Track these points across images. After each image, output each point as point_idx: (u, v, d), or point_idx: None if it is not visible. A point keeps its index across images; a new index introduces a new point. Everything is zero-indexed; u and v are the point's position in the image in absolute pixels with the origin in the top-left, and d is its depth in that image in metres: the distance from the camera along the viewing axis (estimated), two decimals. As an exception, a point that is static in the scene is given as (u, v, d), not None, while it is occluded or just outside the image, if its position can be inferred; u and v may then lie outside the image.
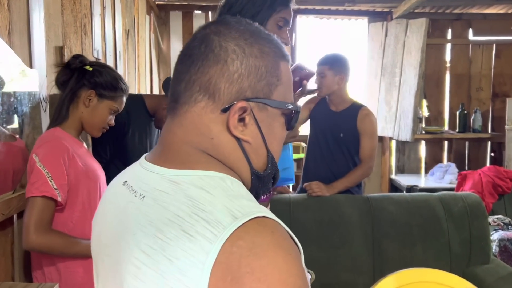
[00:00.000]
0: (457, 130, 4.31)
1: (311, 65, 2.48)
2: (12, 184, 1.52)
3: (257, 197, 0.72)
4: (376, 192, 4.32)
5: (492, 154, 4.47)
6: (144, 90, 3.57)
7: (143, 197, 0.64)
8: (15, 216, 1.49)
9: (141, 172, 0.69)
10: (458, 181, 3.51)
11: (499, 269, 2.25)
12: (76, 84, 1.44)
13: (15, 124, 1.60)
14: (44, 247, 1.30)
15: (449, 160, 4.44)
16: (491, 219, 2.94)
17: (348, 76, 2.45)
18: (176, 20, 4.19)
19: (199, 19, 4.19)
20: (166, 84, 2.17)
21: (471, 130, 4.31)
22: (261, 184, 0.71)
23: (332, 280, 2.23)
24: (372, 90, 4.29)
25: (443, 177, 3.89)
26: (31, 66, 1.60)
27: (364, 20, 4.41)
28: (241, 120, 0.66)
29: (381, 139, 4.36)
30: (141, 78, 3.47)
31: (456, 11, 4.28)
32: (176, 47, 4.12)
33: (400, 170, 4.46)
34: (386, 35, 4.17)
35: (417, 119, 3.90)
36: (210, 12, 4.15)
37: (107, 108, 1.47)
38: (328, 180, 2.39)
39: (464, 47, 4.42)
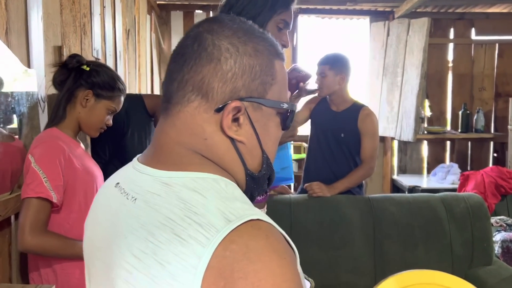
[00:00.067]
0: (459, 130, 4.29)
1: (312, 65, 2.48)
2: (10, 185, 1.51)
3: (252, 198, 0.71)
4: (378, 193, 4.30)
5: (495, 155, 4.44)
6: (145, 90, 3.56)
7: (135, 199, 0.63)
8: (12, 217, 1.48)
9: (133, 173, 0.68)
10: (460, 182, 3.49)
11: (502, 270, 2.23)
12: (73, 84, 1.43)
13: (14, 124, 1.59)
14: (39, 249, 1.29)
15: (451, 160, 4.42)
16: (493, 220, 2.92)
17: (349, 76, 2.44)
18: (177, 19, 4.18)
19: (200, 19, 4.12)
20: None
21: (473, 130, 4.28)
22: (256, 185, 0.69)
23: (332, 282, 2.22)
24: (374, 90, 4.27)
25: (445, 177, 3.87)
26: (29, 66, 1.59)
27: (366, 20, 4.39)
28: (235, 120, 0.64)
29: (383, 139, 4.34)
30: (142, 78, 3.46)
31: (458, 10, 4.26)
32: (177, 47, 4.10)
33: (402, 170, 4.44)
34: (388, 34, 4.15)
35: (419, 119, 3.88)
36: (211, 12, 4.14)
37: (105, 108, 1.46)
38: (329, 181, 2.37)
39: (467, 46, 4.39)
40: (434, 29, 4.27)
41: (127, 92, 2.90)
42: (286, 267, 0.54)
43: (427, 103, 4.32)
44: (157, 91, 3.97)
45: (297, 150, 4.25)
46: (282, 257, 0.55)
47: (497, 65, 4.41)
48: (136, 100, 2.07)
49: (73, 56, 1.47)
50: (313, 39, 4.46)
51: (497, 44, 4.40)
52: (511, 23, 4.33)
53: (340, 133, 2.44)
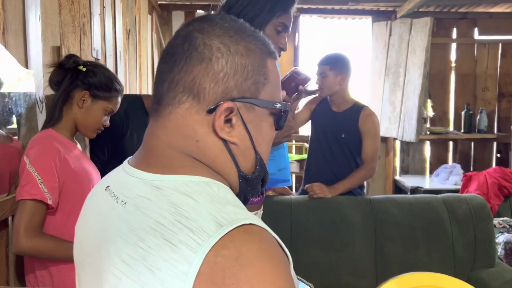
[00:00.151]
0: (462, 131, 4.26)
1: (314, 65, 2.47)
2: (8, 186, 1.50)
3: (246, 201, 0.69)
4: (380, 193, 4.28)
5: (498, 155, 4.41)
6: (146, 90, 3.55)
7: (125, 203, 0.62)
8: (9, 219, 1.47)
9: (123, 176, 0.66)
10: (463, 183, 3.47)
11: (505, 272, 2.21)
12: (70, 85, 1.42)
13: (13, 125, 1.58)
14: (34, 251, 1.28)
15: (454, 161, 4.39)
16: (496, 221, 2.89)
17: (349, 76, 2.42)
18: (178, 19, 4.18)
19: (201, 19, 4.16)
20: None
21: (476, 130, 4.25)
22: (250, 187, 0.68)
23: (333, 284, 2.20)
24: (376, 90, 4.25)
25: (448, 178, 3.85)
26: (27, 66, 1.58)
27: (368, 20, 4.38)
28: (228, 121, 0.63)
29: (385, 139, 4.32)
30: (143, 78, 3.45)
31: (461, 10, 4.23)
32: (178, 47, 4.09)
33: (405, 171, 4.41)
34: (390, 34, 4.12)
35: (421, 119, 3.85)
36: (212, 12, 4.12)
37: (102, 109, 1.44)
38: (330, 182, 2.35)
39: (470, 46, 4.36)
40: (437, 29, 4.25)
41: (128, 92, 2.91)
42: (279, 272, 0.53)
43: (429, 103, 4.29)
44: (158, 92, 3.95)
45: (299, 150, 4.24)
46: (275, 263, 0.53)
47: (500, 65, 4.38)
48: (135, 100, 2.06)
49: (70, 57, 1.45)
50: (315, 39, 4.44)
51: (500, 44, 4.37)
52: (514, 22, 4.30)
53: (341, 133, 2.42)
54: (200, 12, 4.21)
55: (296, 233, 2.21)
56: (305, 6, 4.15)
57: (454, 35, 4.37)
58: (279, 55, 1.31)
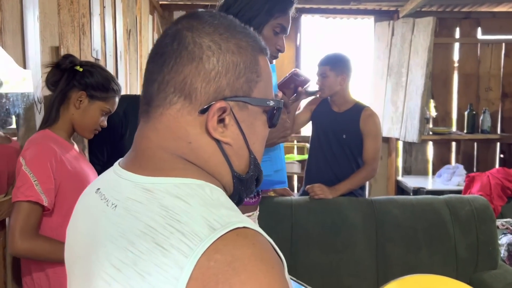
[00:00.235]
0: (465, 131, 4.23)
1: (315, 66, 2.45)
2: (7, 187, 1.49)
3: (240, 201, 0.69)
4: (382, 194, 4.26)
5: (501, 156, 4.38)
6: (147, 90, 3.53)
7: (115, 206, 0.60)
8: (7, 220, 1.46)
9: (114, 179, 0.65)
10: (465, 183, 3.44)
11: (507, 275, 2.18)
12: (66, 85, 1.40)
13: (12, 125, 1.57)
14: (30, 253, 1.27)
15: (457, 161, 4.37)
16: (499, 222, 2.87)
17: (350, 76, 2.41)
18: (180, 20, 4.16)
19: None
20: None
21: (479, 131, 4.22)
22: (244, 187, 0.67)
23: (334, 285, 2.18)
24: (378, 90, 4.23)
25: (450, 179, 3.82)
26: (24, 66, 1.57)
27: (370, 19, 4.35)
28: (221, 121, 0.62)
29: (388, 140, 4.30)
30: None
31: (464, 9, 4.20)
32: (179, 47, 4.08)
33: (407, 171, 4.39)
34: (392, 34, 4.10)
35: (424, 119, 3.83)
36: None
37: (99, 110, 1.43)
38: (331, 182, 2.34)
39: (473, 46, 4.34)
40: (440, 28, 4.22)
41: (129, 92, 2.90)
42: (274, 277, 0.52)
43: (432, 103, 4.27)
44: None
45: (301, 151, 4.22)
46: (269, 267, 0.52)
47: (503, 65, 4.35)
48: (134, 101, 2.05)
49: (66, 57, 1.44)
50: (316, 39, 4.42)
51: (503, 44, 4.33)
52: (518, 22, 4.27)
53: (342, 134, 2.41)
54: (201, 12, 4.20)
55: (296, 234, 2.19)
56: (307, 6, 4.13)
57: (457, 35, 4.34)
58: (277, 57, 1.30)
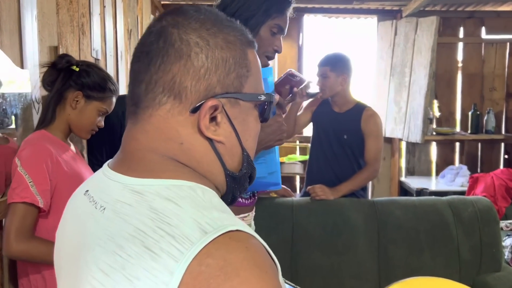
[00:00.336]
0: (469, 131, 4.19)
1: (316, 66, 2.43)
2: (4, 188, 1.48)
3: (234, 199, 0.67)
4: (385, 195, 4.23)
5: (506, 156, 4.34)
6: (148, 90, 3.53)
7: (104, 209, 0.59)
8: (4, 221, 1.45)
9: (102, 181, 0.63)
10: (469, 184, 3.41)
11: (511, 277, 2.15)
12: (63, 85, 1.39)
13: (11, 126, 1.57)
14: (25, 255, 1.26)
15: (461, 162, 4.33)
16: (503, 224, 2.84)
17: (350, 76, 2.38)
18: (181, 20, 4.15)
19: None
20: None
21: (484, 131, 4.18)
22: (237, 185, 0.66)
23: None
24: (381, 90, 4.20)
25: (454, 179, 3.79)
26: (22, 66, 1.56)
27: (373, 19, 4.33)
28: (213, 119, 0.60)
29: (391, 140, 4.27)
30: (145, 79, 3.42)
31: (468, 9, 4.17)
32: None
33: (410, 172, 4.36)
34: (395, 34, 4.07)
35: (427, 120, 3.80)
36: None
37: (95, 110, 1.42)
38: (332, 183, 2.32)
39: (477, 46, 4.30)
40: (443, 28, 4.19)
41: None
42: (267, 282, 0.50)
43: (436, 103, 4.24)
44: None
45: (303, 151, 4.20)
46: (263, 271, 0.50)
47: (508, 64, 4.31)
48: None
49: (63, 56, 1.43)
50: (319, 39, 4.40)
51: (508, 43, 4.29)
52: (522, 21, 4.23)
53: (343, 134, 2.39)
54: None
55: (297, 235, 2.17)
56: (309, 6, 4.11)
57: (461, 35, 4.31)
58: (273, 57, 1.29)
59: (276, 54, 1.29)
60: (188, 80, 0.58)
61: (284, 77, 1.24)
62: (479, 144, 4.34)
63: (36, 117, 1.63)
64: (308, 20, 4.32)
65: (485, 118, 4.16)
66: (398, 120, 4.01)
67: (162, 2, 4.04)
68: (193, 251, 0.49)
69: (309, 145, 3.98)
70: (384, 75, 4.16)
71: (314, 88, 2.40)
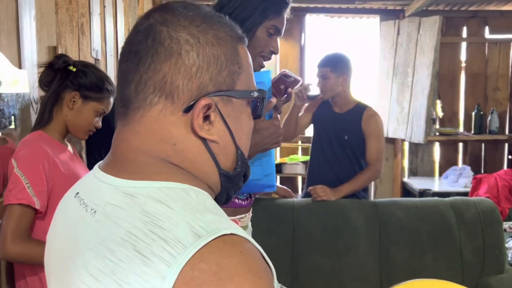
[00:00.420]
0: (472, 132, 4.17)
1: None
2: (2, 188, 1.48)
3: (228, 199, 0.66)
4: (388, 196, 4.21)
5: (510, 157, 4.31)
6: (150, 90, 3.52)
7: (95, 212, 0.58)
8: (0, 222, 1.44)
9: (93, 183, 0.62)
10: (472, 185, 3.39)
11: (515, 279, 2.13)
12: (59, 86, 1.38)
13: (11, 126, 1.56)
14: (21, 257, 1.25)
15: (464, 162, 4.30)
16: (507, 225, 2.81)
17: (351, 76, 2.37)
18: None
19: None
20: None
21: (487, 131, 4.16)
22: (232, 184, 0.64)
23: (336, 289, 2.15)
24: (383, 91, 4.18)
25: (457, 180, 3.77)
26: (20, 66, 1.55)
27: (375, 19, 4.31)
28: (206, 118, 0.59)
29: (393, 141, 4.25)
30: (146, 79, 3.42)
31: (471, 8, 4.14)
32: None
33: (413, 172, 4.33)
34: (398, 33, 4.05)
35: (430, 120, 3.77)
36: (217, 12, 4.09)
37: (93, 110, 1.41)
38: (333, 184, 2.30)
39: (480, 45, 4.27)
40: (446, 27, 4.17)
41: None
42: (262, 287, 0.49)
43: (439, 103, 4.21)
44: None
45: (305, 152, 4.18)
46: (257, 277, 0.49)
47: (512, 64, 4.28)
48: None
49: (60, 57, 1.42)
50: (321, 39, 4.38)
51: (511, 43, 4.27)
52: (526, 21, 4.20)
53: (344, 135, 2.37)
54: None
55: (298, 237, 2.16)
56: (312, 5, 4.10)
57: (464, 34, 4.28)
58: (270, 58, 1.29)
59: (278, 54, 1.28)
60: (180, 79, 0.57)
61: (278, 78, 1.23)
62: (483, 145, 4.32)
63: (34, 118, 1.62)
64: (310, 19, 4.30)
65: (489, 118, 4.14)
66: (400, 120, 3.99)
67: (163, 2, 4.03)
68: (186, 256, 0.47)
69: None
70: (387, 75, 4.14)
71: (314, 90, 2.39)
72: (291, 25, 4.10)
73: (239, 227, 0.56)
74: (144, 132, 0.59)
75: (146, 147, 0.59)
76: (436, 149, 4.35)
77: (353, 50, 4.34)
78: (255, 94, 0.63)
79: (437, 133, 4.13)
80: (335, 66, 2.32)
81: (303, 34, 4.22)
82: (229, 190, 0.65)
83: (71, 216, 0.62)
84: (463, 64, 4.30)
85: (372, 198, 4.14)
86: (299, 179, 4.21)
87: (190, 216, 0.52)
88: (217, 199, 0.65)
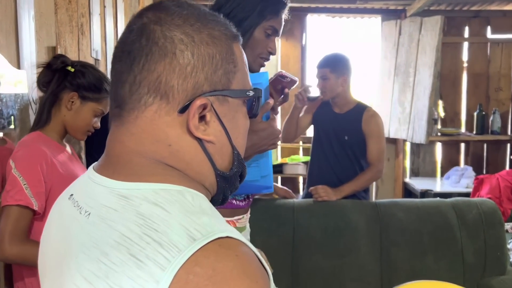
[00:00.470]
0: (474, 132, 4.15)
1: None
2: (1, 189, 1.47)
3: (225, 199, 0.66)
4: (389, 196, 4.20)
5: (512, 157, 4.30)
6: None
7: (89, 214, 0.57)
8: None
9: (88, 184, 0.61)
10: (474, 186, 3.37)
11: (516, 281, 2.12)
12: (58, 86, 1.37)
13: (11, 126, 1.56)
14: (19, 258, 1.24)
15: (466, 163, 4.28)
16: (508, 225, 2.80)
17: (350, 76, 2.36)
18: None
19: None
20: None
21: (489, 132, 4.14)
22: (228, 184, 0.64)
23: (337, 290, 2.14)
24: (385, 91, 4.17)
25: (459, 181, 3.75)
26: (19, 67, 1.55)
27: (377, 19, 4.30)
28: (201, 118, 0.58)
29: (395, 141, 4.23)
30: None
31: (473, 8, 4.13)
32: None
33: (415, 173, 4.32)
34: (399, 33, 4.04)
35: (431, 120, 3.76)
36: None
37: (91, 111, 1.40)
38: (333, 185, 2.29)
39: (482, 45, 4.26)
40: (448, 27, 4.15)
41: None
42: None
43: (440, 104, 4.20)
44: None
45: (307, 152, 4.17)
46: (253, 281, 0.48)
47: (514, 64, 4.26)
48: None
49: (58, 57, 1.41)
50: (323, 39, 4.37)
51: (514, 43, 4.25)
52: (529, 21, 4.18)
53: (344, 135, 2.36)
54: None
55: (298, 238, 2.15)
56: (313, 5, 4.09)
57: (466, 34, 4.27)
58: (268, 59, 1.28)
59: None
60: (175, 79, 0.56)
61: (274, 79, 1.22)
62: (485, 145, 4.30)
63: (33, 118, 1.62)
64: (312, 19, 4.30)
65: (491, 118, 4.12)
66: (402, 120, 3.98)
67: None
68: (181, 259, 0.47)
69: (312, 146, 3.94)
70: (388, 75, 4.13)
71: (314, 92, 2.38)
72: (292, 25, 4.09)
73: (236, 230, 0.55)
74: (139, 133, 0.58)
75: (141, 149, 0.58)
76: (438, 149, 4.34)
77: (354, 50, 4.33)
78: (251, 93, 0.62)
79: (439, 134, 4.11)
80: (334, 66, 2.31)
81: (304, 34, 4.21)
82: (225, 191, 0.64)
83: (65, 218, 0.61)
84: (465, 64, 4.29)
85: (373, 199, 4.13)
86: (300, 179, 4.20)
87: (186, 219, 0.51)
88: (213, 200, 0.64)
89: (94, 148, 1.95)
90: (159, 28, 0.57)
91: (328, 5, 4.12)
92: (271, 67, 3.78)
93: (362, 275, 2.15)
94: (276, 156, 4.27)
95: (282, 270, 2.06)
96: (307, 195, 2.40)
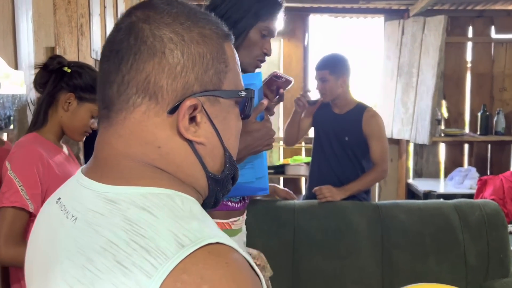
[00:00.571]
0: (478, 133, 4.12)
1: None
2: (0, 190, 1.47)
3: (217, 202, 0.64)
4: (392, 197, 4.17)
5: (516, 158, 4.26)
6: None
7: (76, 218, 0.55)
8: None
9: (75, 188, 0.60)
10: (478, 187, 3.34)
11: (520, 283, 2.09)
12: (54, 87, 1.36)
13: (10, 127, 1.55)
14: (14, 261, 1.23)
15: (470, 164, 4.25)
16: (512, 228, 2.77)
17: (349, 77, 2.34)
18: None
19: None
20: None
21: (493, 132, 4.10)
22: (220, 187, 0.62)
23: (338, 293, 2.12)
24: (388, 91, 4.14)
25: (462, 182, 3.72)
26: (16, 67, 1.54)
27: (380, 19, 4.28)
28: (192, 119, 0.56)
29: (398, 142, 4.21)
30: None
31: (477, 7, 4.10)
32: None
33: (418, 174, 4.29)
34: (402, 33, 4.01)
35: (435, 121, 3.74)
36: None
37: (88, 112, 1.39)
38: (334, 185, 2.27)
39: (486, 45, 4.22)
40: (452, 27, 4.12)
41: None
42: None
43: (444, 104, 4.17)
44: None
45: (309, 153, 4.15)
46: None
47: (518, 64, 4.23)
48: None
49: (54, 58, 1.40)
50: (325, 39, 4.36)
51: (518, 43, 4.22)
52: (533, 20, 4.14)
53: (344, 136, 2.34)
54: (208, 12, 4.16)
55: (299, 239, 2.13)
56: (315, 5, 4.07)
57: (470, 34, 4.23)
58: (264, 60, 1.27)
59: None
60: (164, 78, 0.55)
61: (269, 79, 1.21)
62: (489, 146, 4.27)
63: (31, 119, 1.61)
64: (314, 20, 4.28)
65: (495, 119, 4.09)
66: (405, 121, 3.95)
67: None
68: (168, 267, 0.45)
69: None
70: (391, 76, 4.10)
71: (314, 95, 2.37)
72: (295, 25, 4.08)
73: (227, 235, 0.53)
74: (127, 135, 0.57)
75: (130, 151, 0.57)
76: (441, 150, 4.31)
77: (357, 50, 4.31)
78: (243, 93, 0.61)
79: (442, 134, 4.08)
80: (334, 68, 2.29)
81: (306, 34, 4.19)
82: (217, 194, 0.63)
83: (52, 223, 0.60)
84: (469, 64, 4.25)
85: (376, 200, 4.10)
86: (303, 180, 4.18)
87: (174, 224, 0.49)
88: (205, 203, 0.63)
89: (93, 149, 1.94)
90: (148, 27, 0.56)
91: (331, 5, 4.10)
92: (273, 67, 3.76)
93: (363, 277, 2.13)
94: (279, 157, 4.25)
95: (282, 272, 2.05)
96: (308, 196, 2.39)
